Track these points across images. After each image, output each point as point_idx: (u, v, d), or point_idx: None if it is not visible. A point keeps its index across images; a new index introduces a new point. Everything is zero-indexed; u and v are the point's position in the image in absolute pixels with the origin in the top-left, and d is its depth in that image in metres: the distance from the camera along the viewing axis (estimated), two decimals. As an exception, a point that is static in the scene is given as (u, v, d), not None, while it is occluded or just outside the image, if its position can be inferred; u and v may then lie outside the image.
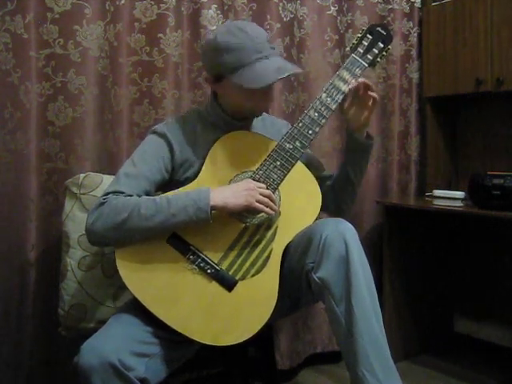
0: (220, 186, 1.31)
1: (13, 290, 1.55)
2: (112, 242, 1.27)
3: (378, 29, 1.47)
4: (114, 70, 1.68)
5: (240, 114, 1.41)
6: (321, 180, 1.46)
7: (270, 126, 1.53)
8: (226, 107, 1.40)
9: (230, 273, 1.24)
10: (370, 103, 1.40)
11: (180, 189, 1.31)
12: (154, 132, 1.38)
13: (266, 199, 1.26)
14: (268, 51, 1.31)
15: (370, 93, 1.39)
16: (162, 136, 1.36)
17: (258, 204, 1.25)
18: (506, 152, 2.19)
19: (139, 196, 1.27)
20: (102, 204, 1.22)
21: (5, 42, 1.50)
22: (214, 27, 1.83)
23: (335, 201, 1.51)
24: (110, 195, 1.24)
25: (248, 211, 1.27)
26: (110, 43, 1.67)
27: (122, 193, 1.25)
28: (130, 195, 1.25)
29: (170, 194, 1.29)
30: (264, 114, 1.50)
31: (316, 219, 1.34)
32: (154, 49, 1.74)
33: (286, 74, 1.30)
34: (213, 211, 1.22)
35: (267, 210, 1.26)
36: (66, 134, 1.61)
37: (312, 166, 1.51)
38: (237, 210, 1.25)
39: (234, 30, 1.31)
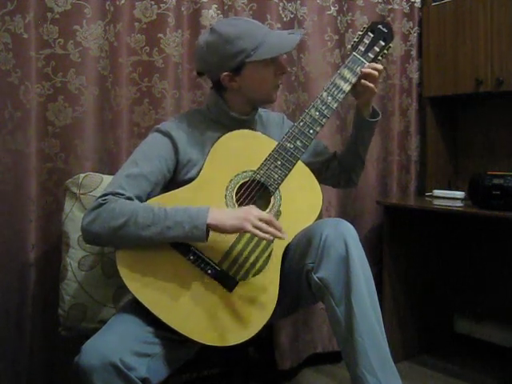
0: (220, 186, 1.31)
1: (13, 290, 1.54)
2: (107, 244, 1.28)
3: (380, 26, 1.47)
4: (113, 70, 1.68)
5: (258, 102, 1.44)
6: (329, 162, 1.60)
7: (266, 120, 1.53)
8: (236, 102, 1.40)
9: (231, 273, 1.24)
10: (368, 91, 1.44)
11: (180, 189, 1.30)
12: (158, 131, 1.37)
13: (264, 226, 1.19)
14: (266, 27, 1.42)
15: (363, 82, 1.42)
16: (167, 135, 1.35)
17: (252, 228, 1.19)
18: (506, 152, 2.19)
19: (139, 197, 1.26)
20: (100, 206, 1.21)
21: (5, 42, 1.50)
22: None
23: (345, 176, 1.61)
24: (108, 196, 1.23)
25: None
26: (110, 43, 1.67)
27: (122, 194, 1.23)
28: (130, 197, 1.24)
29: (167, 194, 1.29)
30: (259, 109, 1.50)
31: (316, 219, 1.34)
32: (154, 49, 1.74)
33: (300, 35, 1.36)
34: (209, 231, 1.20)
35: (261, 234, 1.19)
36: (66, 134, 1.61)
37: (319, 152, 1.59)
38: (232, 232, 1.22)
39: (232, 21, 1.40)
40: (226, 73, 1.35)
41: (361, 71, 1.42)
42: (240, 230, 1.21)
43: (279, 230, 1.21)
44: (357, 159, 1.58)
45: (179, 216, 1.19)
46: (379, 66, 1.44)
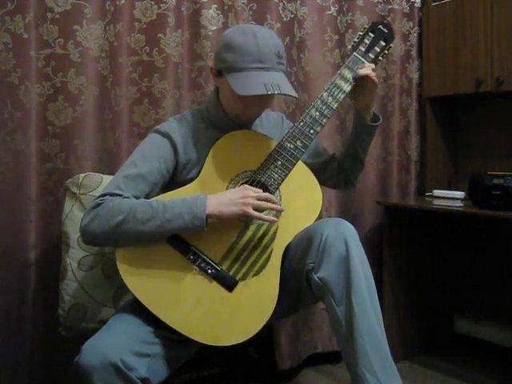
0: (220, 186, 1.31)
1: (13, 290, 1.54)
2: (106, 243, 1.28)
3: (380, 27, 1.47)
4: (113, 70, 1.68)
5: (234, 114, 1.39)
6: (327, 163, 1.58)
7: (266, 120, 1.53)
8: (225, 105, 1.40)
9: (231, 273, 1.24)
10: (370, 88, 1.44)
11: (180, 189, 1.31)
12: (157, 131, 1.37)
13: (263, 204, 1.24)
14: (271, 64, 1.27)
15: (370, 85, 1.43)
16: (166, 136, 1.35)
17: (254, 212, 1.22)
18: (506, 152, 2.19)
19: (137, 198, 1.26)
20: (98, 205, 1.21)
21: (5, 42, 1.50)
22: (214, 27, 1.83)
23: (344, 177, 1.60)
24: (106, 196, 1.23)
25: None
26: (110, 43, 1.67)
27: (120, 195, 1.24)
28: (127, 197, 1.24)
29: (167, 195, 1.29)
30: None
31: (316, 219, 1.33)
32: (154, 49, 1.74)
33: (271, 93, 1.23)
34: (208, 219, 1.22)
35: (265, 217, 1.24)
36: (65, 134, 1.61)
37: (318, 153, 1.58)
38: (232, 218, 1.24)
39: (248, 32, 1.29)
40: (212, 67, 1.37)
41: (358, 74, 1.42)
42: (242, 216, 1.23)
43: (276, 204, 1.28)
44: (356, 161, 1.57)
45: (178, 207, 1.20)
46: (372, 66, 1.44)
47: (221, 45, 1.33)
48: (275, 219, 1.27)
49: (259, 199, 1.24)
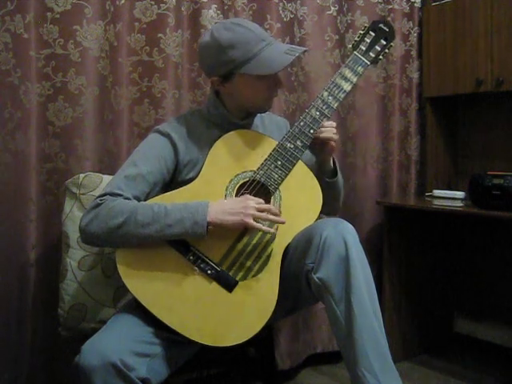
0: (220, 186, 1.31)
1: (13, 289, 1.54)
2: (106, 244, 1.27)
3: (381, 25, 1.47)
4: (113, 70, 1.68)
5: (250, 110, 1.40)
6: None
7: (269, 122, 1.53)
8: (231, 105, 1.39)
9: (231, 273, 1.24)
10: (328, 149, 1.42)
11: (180, 189, 1.30)
12: (158, 131, 1.37)
13: (264, 215, 1.23)
14: (269, 38, 1.35)
15: (330, 143, 1.41)
16: (166, 136, 1.35)
17: (254, 223, 1.22)
18: (506, 152, 2.19)
19: (137, 198, 1.26)
20: (98, 205, 1.21)
21: (5, 42, 1.50)
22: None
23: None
24: (106, 196, 1.23)
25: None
26: (110, 43, 1.67)
27: (120, 195, 1.23)
28: (127, 197, 1.24)
29: (167, 195, 1.29)
30: None
31: (316, 219, 1.33)
32: (154, 49, 1.74)
33: (297, 54, 1.30)
34: (209, 226, 1.21)
35: (264, 228, 1.24)
36: (66, 133, 1.61)
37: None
38: (233, 228, 1.24)
39: (231, 26, 1.32)
40: (215, 78, 1.35)
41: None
42: (242, 226, 1.23)
43: (278, 216, 1.26)
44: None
45: (179, 213, 1.20)
46: (333, 126, 1.42)
47: (213, 52, 1.32)
48: (274, 231, 1.26)
49: (260, 210, 1.24)
